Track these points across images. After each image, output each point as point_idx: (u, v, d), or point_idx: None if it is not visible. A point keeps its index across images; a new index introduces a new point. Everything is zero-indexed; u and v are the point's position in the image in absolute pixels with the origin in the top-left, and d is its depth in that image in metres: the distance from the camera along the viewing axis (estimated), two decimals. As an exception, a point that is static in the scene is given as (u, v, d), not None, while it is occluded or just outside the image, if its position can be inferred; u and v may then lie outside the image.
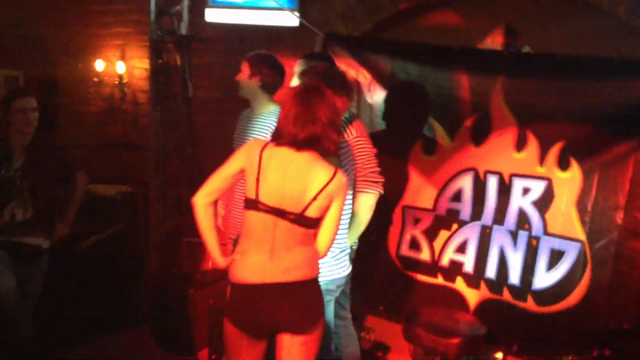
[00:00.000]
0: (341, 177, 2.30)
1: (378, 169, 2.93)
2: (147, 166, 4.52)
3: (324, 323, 2.40)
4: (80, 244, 4.22)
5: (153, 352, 4.01)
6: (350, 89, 2.93)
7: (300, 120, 2.23)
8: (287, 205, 2.24)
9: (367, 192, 2.87)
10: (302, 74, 3.02)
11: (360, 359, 3.28)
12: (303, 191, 2.24)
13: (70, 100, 4.94)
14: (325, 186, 2.24)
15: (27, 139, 3.40)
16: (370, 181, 2.88)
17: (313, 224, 2.30)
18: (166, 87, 4.38)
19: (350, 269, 2.85)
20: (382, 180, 2.92)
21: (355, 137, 2.90)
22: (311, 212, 2.26)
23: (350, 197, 2.81)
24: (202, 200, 2.31)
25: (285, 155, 2.25)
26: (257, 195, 2.23)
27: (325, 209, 2.30)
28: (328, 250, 2.43)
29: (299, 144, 2.24)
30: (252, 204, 2.25)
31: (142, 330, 4.22)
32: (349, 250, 2.86)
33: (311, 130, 2.23)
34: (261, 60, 3.18)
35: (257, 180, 2.23)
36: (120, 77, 4.47)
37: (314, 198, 2.24)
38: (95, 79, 4.58)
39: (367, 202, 2.88)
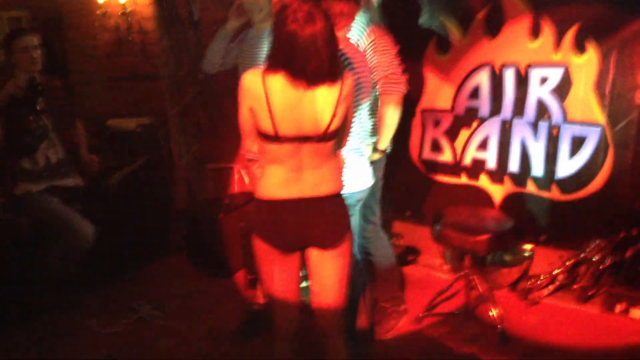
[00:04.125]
0: (349, 80, 2.32)
1: (400, 68, 2.97)
2: (162, 95, 4.63)
3: (352, 236, 2.47)
4: (109, 180, 4.36)
5: (192, 277, 4.26)
6: None
7: (303, 52, 2.15)
8: (309, 130, 2.25)
9: (391, 92, 2.93)
10: None
11: (394, 262, 3.46)
12: (321, 111, 2.24)
13: (76, 36, 5.01)
14: (339, 98, 2.26)
15: (36, 77, 3.53)
16: (393, 82, 2.93)
17: (336, 134, 2.33)
18: (171, 13, 4.43)
19: (372, 181, 2.90)
20: (405, 78, 2.97)
21: (372, 40, 2.95)
22: (333, 127, 2.28)
23: (366, 105, 2.83)
24: (253, 148, 2.39)
25: (290, 83, 2.20)
26: (275, 129, 2.22)
27: (344, 115, 2.33)
28: (345, 143, 2.51)
29: (306, 80, 2.19)
30: (272, 138, 2.24)
31: (178, 258, 4.48)
32: (366, 163, 2.89)
33: (315, 66, 2.17)
34: None
35: (271, 115, 2.20)
36: (124, 6, 4.53)
37: (334, 115, 2.26)
38: (99, 11, 4.66)
39: (392, 103, 2.94)
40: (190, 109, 4.70)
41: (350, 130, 2.55)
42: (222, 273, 4.24)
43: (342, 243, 2.40)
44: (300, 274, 2.52)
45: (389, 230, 4.20)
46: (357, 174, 2.78)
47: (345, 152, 2.68)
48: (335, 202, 2.38)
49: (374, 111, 3.03)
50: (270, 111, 2.19)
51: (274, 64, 2.20)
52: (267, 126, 2.22)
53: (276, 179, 2.31)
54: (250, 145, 2.39)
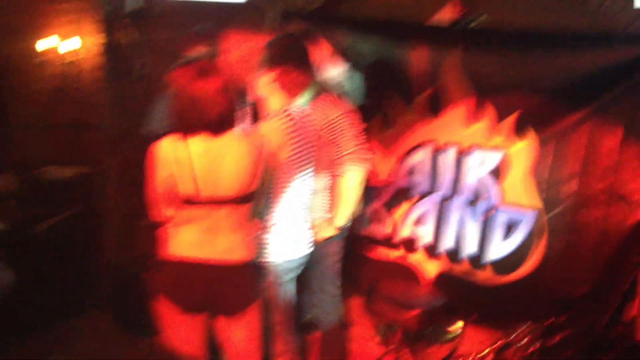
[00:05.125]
0: (267, 139, 2.38)
1: (366, 144, 2.99)
2: (103, 147, 4.57)
3: (259, 306, 2.46)
4: (37, 228, 4.26)
5: (115, 335, 4.07)
6: (311, 62, 2.94)
7: (204, 103, 2.22)
8: (228, 191, 2.27)
9: (354, 170, 2.92)
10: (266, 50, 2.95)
11: (341, 338, 3.47)
12: (241, 172, 2.27)
13: (21, 79, 4.96)
14: (258, 157, 2.30)
15: None
16: (359, 158, 2.92)
17: (253, 197, 2.36)
18: (120, 65, 4.44)
19: (310, 248, 2.89)
20: (371, 155, 3.02)
21: (339, 115, 2.94)
22: (251, 187, 2.32)
23: (303, 176, 2.84)
24: (166, 213, 2.37)
25: (209, 142, 2.25)
26: (196, 191, 2.24)
27: (261, 178, 2.36)
28: (262, 207, 2.54)
29: (213, 128, 2.25)
30: (191, 201, 2.26)
31: (102, 315, 4.27)
32: (309, 230, 2.90)
33: (218, 111, 2.23)
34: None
35: (193, 176, 2.23)
36: (75, 53, 4.51)
37: (253, 175, 2.30)
38: (45, 57, 4.62)
39: (356, 179, 2.94)
40: (130, 162, 4.62)
41: (272, 197, 2.59)
42: (148, 332, 4.05)
43: (249, 311, 2.39)
44: None
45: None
46: (295, 241, 2.77)
47: (279, 218, 2.67)
48: (244, 270, 2.38)
49: (317, 185, 3.00)
50: (193, 173, 2.21)
51: (189, 125, 2.25)
52: (188, 189, 2.23)
53: (188, 239, 2.30)
54: (164, 211, 2.37)
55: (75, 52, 4.56)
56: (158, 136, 2.37)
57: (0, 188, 3.70)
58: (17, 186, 3.81)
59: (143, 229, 4.64)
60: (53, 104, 4.79)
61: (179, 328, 2.39)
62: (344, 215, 3.01)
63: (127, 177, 4.60)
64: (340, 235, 3.14)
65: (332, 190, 3.03)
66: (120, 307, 4.24)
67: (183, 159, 2.22)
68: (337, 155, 2.96)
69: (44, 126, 4.86)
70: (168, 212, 2.36)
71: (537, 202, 3.45)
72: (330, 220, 2.99)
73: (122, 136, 4.54)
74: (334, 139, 2.96)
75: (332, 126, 2.97)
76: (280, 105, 2.70)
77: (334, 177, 3.00)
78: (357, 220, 4.08)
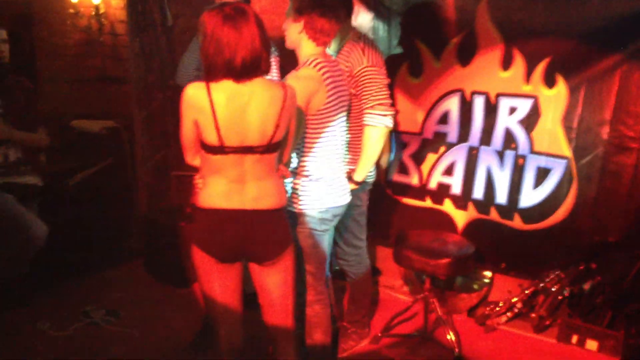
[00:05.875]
0: (292, 90, 2.35)
1: (389, 100, 2.96)
2: (130, 100, 4.59)
3: (294, 250, 2.47)
4: (69, 181, 4.31)
5: (149, 285, 4.19)
6: (343, 9, 2.83)
7: (231, 47, 2.17)
8: (253, 140, 2.26)
9: (375, 125, 2.91)
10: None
11: (369, 289, 3.49)
12: (265, 121, 2.26)
13: (46, 34, 4.95)
14: (282, 107, 2.28)
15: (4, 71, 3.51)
16: (379, 114, 2.91)
17: (279, 145, 2.35)
18: (144, 17, 4.39)
19: (348, 198, 2.88)
20: (392, 112, 2.95)
21: (365, 66, 2.93)
22: (277, 137, 2.30)
23: (340, 123, 2.80)
24: (194, 161, 2.40)
25: (233, 90, 2.23)
26: (220, 140, 2.22)
27: (287, 126, 2.36)
28: (290, 158, 2.54)
29: (238, 74, 2.21)
30: (217, 150, 2.25)
31: (136, 264, 4.40)
32: (344, 180, 2.88)
33: (245, 56, 2.19)
34: None
35: (217, 126, 2.21)
36: (97, 7, 4.48)
37: (277, 125, 2.28)
38: (72, 10, 4.60)
39: (375, 135, 2.93)
40: (158, 114, 4.65)
41: (305, 146, 2.58)
42: (180, 282, 4.16)
43: (282, 259, 2.42)
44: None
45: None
46: (333, 190, 2.77)
47: (313, 168, 2.69)
48: (276, 217, 2.40)
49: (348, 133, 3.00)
50: (216, 122, 2.20)
51: (214, 70, 2.22)
52: (212, 138, 2.23)
53: (218, 189, 2.31)
54: (192, 159, 2.40)
55: (101, 5, 4.52)
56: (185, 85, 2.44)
57: (32, 142, 3.74)
58: (49, 140, 3.86)
59: (174, 180, 4.74)
60: (81, 57, 4.79)
61: (215, 275, 2.40)
62: (364, 170, 3.01)
63: (155, 128, 4.65)
64: (362, 189, 3.15)
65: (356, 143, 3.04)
66: (154, 257, 4.35)
67: (206, 107, 2.20)
68: (360, 107, 2.96)
69: (73, 80, 4.88)
70: (196, 160, 2.39)
71: (568, 150, 3.42)
72: (351, 173, 2.99)
73: (150, 88, 4.56)
74: (358, 90, 2.96)
75: (357, 77, 2.96)
76: (309, 54, 2.68)
77: (359, 129, 3.00)
78: (386, 170, 4.13)
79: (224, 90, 2.21)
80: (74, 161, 4.48)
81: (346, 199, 2.85)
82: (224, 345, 2.53)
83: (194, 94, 2.22)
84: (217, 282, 2.42)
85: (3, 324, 3.53)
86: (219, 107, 2.20)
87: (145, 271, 4.35)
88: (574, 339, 3.39)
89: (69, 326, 3.54)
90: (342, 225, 3.14)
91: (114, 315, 3.70)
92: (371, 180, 3.22)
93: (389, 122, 2.94)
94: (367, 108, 2.94)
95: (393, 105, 3.02)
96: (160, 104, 4.63)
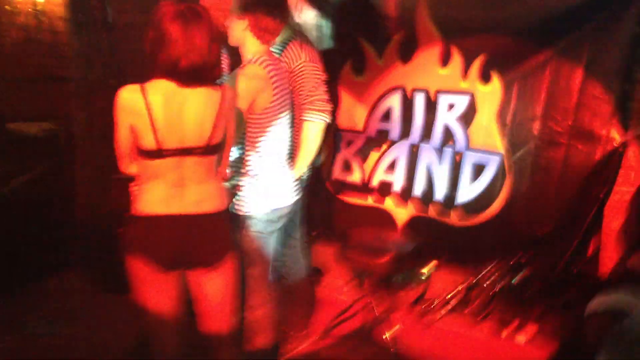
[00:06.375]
0: (230, 91, 2.34)
1: (326, 96, 3.02)
2: (70, 100, 4.50)
3: (236, 256, 2.47)
4: (3, 188, 4.23)
5: (88, 292, 4.11)
6: (285, 7, 2.89)
7: (178, 48, 2.13)
8: (192, 142, 2.23)
9: (313, 120, 2.96)
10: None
11: (307, 288, 3.54)
12: (202, 123, 2.23)
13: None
14: (220, 109, 2.27)
15: None
16: (317, 109, 2.96)
17: (218, 147, 2.33)
18: (85, 13, 4.34)
19: (295, 197, 2.93)
20: (330, 108, 3.01)
21: (303, 61, 2.99)
22: (215, 139, 2.28)
23: (285, 122, 2.84)
24: (130, 169, 2.35)
25: (169, 90, 2.19)
26: (158, 144, 2.18)
27: (225, 128, 2.33)
28: (228, 160, 2.53)
29: (184, 78, 2.18)
30: (155, 154, 2.21)
31: (75, 272, 4.30)
32: (291, 180, 2.93)
33: (192, 61, 2.15)
34: None
35: (154, 129, 2.16)
36: (34, 3, 4.40)
37: (214, 126, 2.26)
38: (8, 7, 4.50)
39: (313, 131, 2.97)
40: (99, 116, 4.56)
41: (249, 146, 2.60)
42: (120, 289, 4.07)
43: (225, 262, 2.40)
44: None
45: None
46: (280, 190, 2.80)
47: (257, 169, 2.69)
48: (217, 221, 2.38)
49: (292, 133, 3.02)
50: (152, 125, 2.16)
51: (154, 67, 2.18)
52: (149, 142, 2.19)
53: (157, 195, 2.27)
54: (127, 167, 2.35)
55: (39, 1, 4.44)
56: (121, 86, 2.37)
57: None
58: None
59: (114, 184, 4.65)
60: (18, 56, 4.69)
61: (154, 284, 2.36)
62: (303, 165, 3.03)
63: (95, 130, 4.56)
64: (301, 185, 3.15)
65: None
66: (95, 264, 4.24)
67: (142, 110, 2.15)
68: (299, 103, 2.99)
69: (9, 80, 4.76)
70: (132, 167, 2.33)
71: (501, 146, 3.51)
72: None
73: (90, 89, 4.48)
74: (297, 86, 2.99)
75: (296, 73, 3.00)
76: (253, 52, 2.70)
77: (297, 125, 3.03)
78: (328, 169, 4.16)
79: (160, 91, 2.17)
80: (10, 165, 4.35)
81: (293, 197, 2.88)
82: (156, 356, 2.51)
83: (129, 97, 2.18)
84: (155, 291, 2.38)
85: None
86: (155, 108, 2.15)
87: (84, 278, 4.24)
88: (504, 333, 3.45)
89: (5, 337, 3.43)
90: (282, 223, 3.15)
91: (50, 326, 3.60)
92: (306, 176, 3.23)
93: (327, 118, 2.98)
94: (305, 104, 2.97)
95: (331, 100, 3.06)
96: (102, 104, 4.55)
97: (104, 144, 4.55)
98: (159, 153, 2.20)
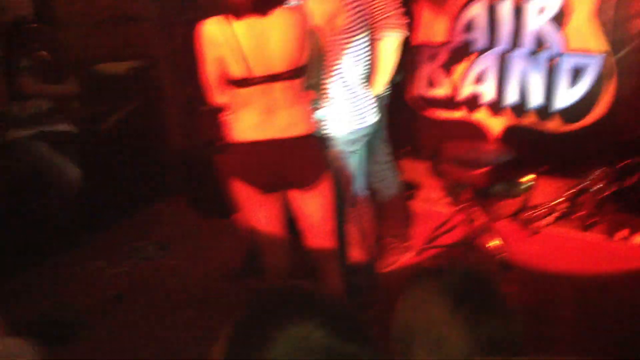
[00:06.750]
0: (308, 11, 2.32)
1: (401, 9, 2.92)
2: (152, 37, 4.58)
3: (330, 176, 2.50)
4: (102, 125, 4.38)
5: (192, 218, 4.31)
6: None
7: None
8: (280, 66, 2.26)
9: (390, 35, 2.88)
10: None
11: (401, 200, 3.54)
12: (286, 46, 2.24)
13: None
14: (301, 30, 2.27)
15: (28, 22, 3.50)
16: (393, 24, 2.87)
17: (304, 70, 2.34)
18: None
19: (376, 117, 2.90)
20: (406, 20, 2.92)
21: None
22: (300, 61, 2.30)
23: (362, 41, 2.79)
24: (220, 99, 2.39)
25: (253, 19, 2.20)
26: (247, 72, 2.23)
27: (309, 48, 2.33)
28: (317, 80, 2.52)
29: (259, 9, 2.19)
30: (245, 82, 2.26)
31: (178, 200, 4.51)
32: (370, 99, 2.89)
33: None
34: None
35: (241, 57, 2.20)
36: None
37: (298, 47, 2.27)
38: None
39: (391, 46, 2.89)
40: (182, 50, 4.63)
41: (328, 67, 2.56)
42: (221, 212, 4.25)
43: (320, 182, 2.44)
44: None
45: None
46: (358, 111, 2.77)
47: (337, 89, 2.68)
48: (308, 142, 2.41)
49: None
50: (242, 54, 2.19)
51: (231, 9, 2.19)
52: (238, 71, 2.23)
53: (249, 122, 2.33)
54: (218, 97, 2.39)
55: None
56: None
57: (63, 93, 3.79)
58: (79, 89, 3.89)
59: (203, 114, 4.76)
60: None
61: (256, 205, 2.47)
62: (381, 84, 2.99)
63: (178, 65, 4.64)
64: (380, 103, 3.11)
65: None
66: (193, 191, 4.44)
67: (230, 40, 2.19)
68: (373, 20, 2.89)
69: (90, 24, 4.85)
70: (222, 98, 2.38)
71: (604, 45, 3.34)
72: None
73: (169, 24, 4.53)
74: (371, 2, 2.88)
75: None
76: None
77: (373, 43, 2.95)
78: (408, 85, 4.09)
79: (245, 20, 2.19)
80: (104, 105, 4.49)
81: (373, 118, 2.86)
82: (271, 272, 2.62)
83: (214, 29, 2.22)
84: (260, 211, 2.49)
85: (62, 265, 3.69)
86: (241, 38, 2.19)
87: (186, 205, 4.45)
88: (619, 234, 3.40)
89: (123, 263, 3.69)
90: (367, 142, 3.15)
91: (164, 249, 3.85)
92: (386, 94, 3.18)
93: (403, 32, 2.90)
94: (380, 20, 2.88)
95: (407, 14, 2.97)
96: (183, 38, 4.60)
97: (187, 77, 4.68)
98: (248, 81, 2.25)
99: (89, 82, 4.59)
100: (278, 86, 2.28)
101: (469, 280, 1.25)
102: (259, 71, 2.24)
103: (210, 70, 2.30)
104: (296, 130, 2.35)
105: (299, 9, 2.30)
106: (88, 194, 3.79)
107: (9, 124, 3.60)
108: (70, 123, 3.81)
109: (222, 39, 2.20)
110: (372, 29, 2.91)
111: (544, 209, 3.62)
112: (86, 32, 4.89)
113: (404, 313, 1.25)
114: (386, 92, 3.14)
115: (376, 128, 3.05)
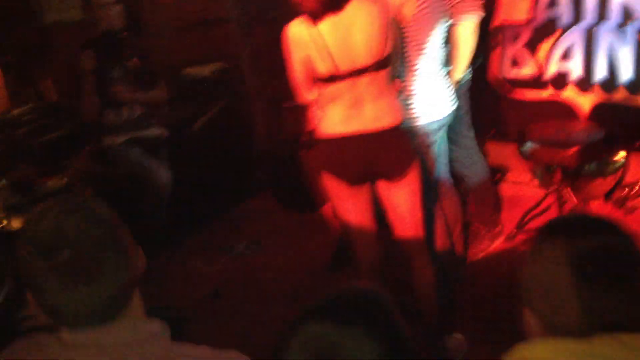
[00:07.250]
0: (385, 1, 2.32)
1: None
2: (234, 39, 4.71)
3: (418, 165, 2.51)
4: (191, 128, 4.53)
5: (280, 214, 4.41)
6: None
7: None
8: (365, 60, 2.29)
9: (467, 17, 2.84)
10: None
11: (489, 185, 3.52)
12: (369, 39, 2.27)
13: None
14: (384, 20, 2.29)
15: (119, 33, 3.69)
16: (470, 5, 2.83)
17: (388, 61, 2.35)
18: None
19: (455, 104, 2.88)
20: (482, 1, 2.88)
21: None
22: (384, 52, 2.31)
23: (441, 27, 2.76)
24: (308, 97, 2.46)
25: (334, 16, 2.23)
26: (334, 68, 2.27)
27: (392, 38, 2.34)
28: (399, 69, 2.53)
29: (335, 6, 2.22)
30: (331, 78, 2.30)
31: (265, 197, 4.62)
32: (449, 88, 2.87)
33: None
34: None
35: (328, 55, 2.25)
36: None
37: (384, 39, 2.29)
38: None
39: (469, 28, 2.86)
40: (263, 49, 4.73)
41: (408, 56, 2.57)
42: (309, 208, 4.34)
43: (408, 173, 2.45)
44: None
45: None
46: (436, 101, 2.77)
47: (418, 78, 2.68)
48: (397, 134, 2.43)
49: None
50: (328, 51, 2.24)
51: (310, 12, 2.22)
52: (325, 68, 2.28)
53: (335, 117, 2.37)
54: (307, 95, 2.45)
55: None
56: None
57: (154, 99, 3.96)
58: (169, 94, 4.06)
59: (286, 111, 4.86)
60: (182, 4, 4.91)
61: (345, 198, 2.51)
62: (461, 68, 2.96)
63: (261, 64, 4.74)
64: (462, 88, 3.10)
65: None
66: (280, 187, 4.54)
67: (316, 39, 2.24)
68: (449, 3, 2.85)
69: (176, 29, 5.04)
70: (310, 95, 2.44)
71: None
72: (449, 74, 2.94)
73: (250, 24, 4.63)
74: None
75: None
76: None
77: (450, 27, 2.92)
78: (490, 66, 4.01)
79: (328, 17, 2.23)
80: (193, 107, 4.66)
81: (451, 107, 2.84)
82: (362, 264, 2.67)
83: (299, 31, 2.28)
84: (350, 204, 2.53)
85: (158, 265, 3.84)
86: (327, 36, 2.24)
87: (274, 202, 4.55)
88: None
89: (218, 260, 3.84)
90: (450, 128, 3.12)
91: (256, 246, 3.98)
92: (467, 79, 3.15)
93: (480, 13, 2.86)
94: (457, 3, 2.83)
95: None
96: (264, 38, 4.70)
97: (270, 75, 4.79)
98: (335, 78, 2.30)
99: (177, 86, 4.81)
100: (364, 80, 2.32)
101: (602, 251, 1.14)
102: (345, 67, 2.28)
103: (298, 70, 2.37)
104: (383, 122, 2.38)
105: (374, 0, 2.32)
106: (180, 195, 3.95)
107: (105, 131, 3.80)
108: (161, 127, 3.99)
109: (308, 40, 2.26)
110: (448, 13, 2.89)
111: (638, 187, 3.48)
112: (172, 37, 5.10)
113: (531, 266, 1.19)
114: (467, 76, 3.12)
115: (458, 114, 3.03)
